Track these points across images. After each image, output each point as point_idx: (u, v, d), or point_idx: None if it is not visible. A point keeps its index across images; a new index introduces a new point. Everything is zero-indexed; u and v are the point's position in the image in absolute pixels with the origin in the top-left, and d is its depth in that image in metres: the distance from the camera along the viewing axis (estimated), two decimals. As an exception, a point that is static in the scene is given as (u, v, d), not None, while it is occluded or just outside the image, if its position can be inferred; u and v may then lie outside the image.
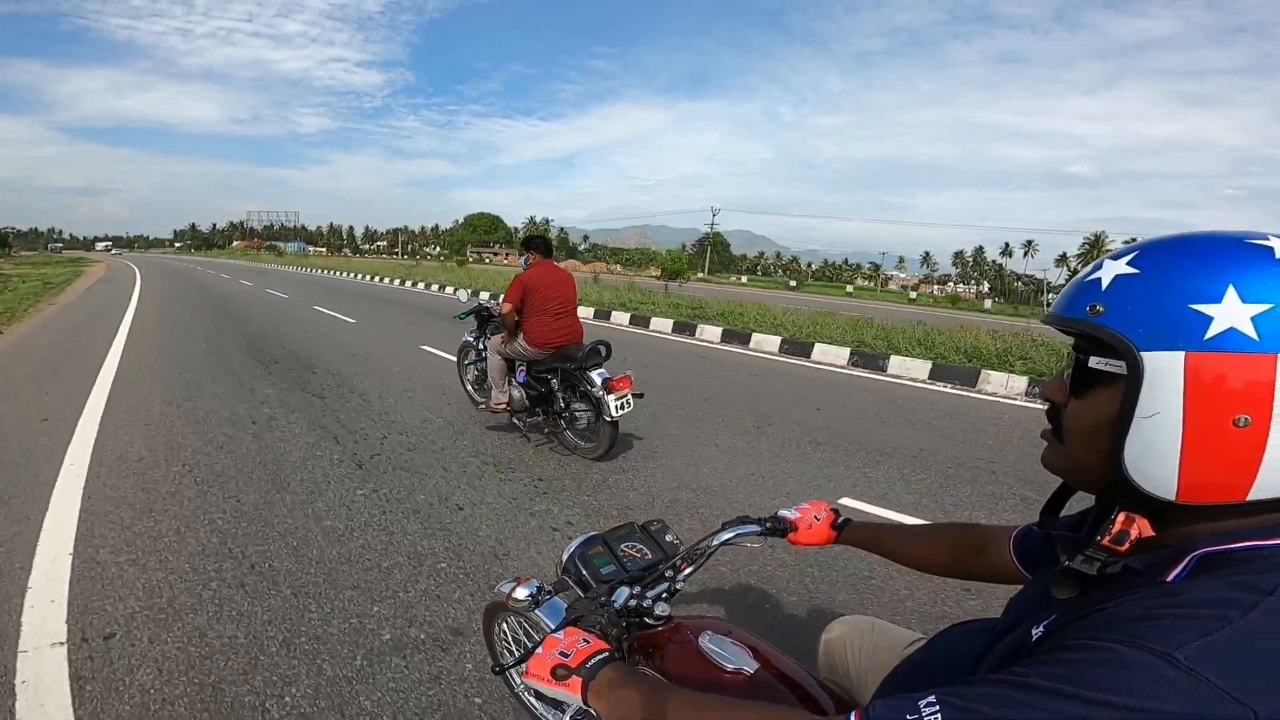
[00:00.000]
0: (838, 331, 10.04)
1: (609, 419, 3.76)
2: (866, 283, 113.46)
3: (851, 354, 8.47)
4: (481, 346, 4.93)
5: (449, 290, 19.94)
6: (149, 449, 3.93)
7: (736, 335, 10.16)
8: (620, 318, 12.86)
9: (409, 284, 24.27)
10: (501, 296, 4.45)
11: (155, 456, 3.80)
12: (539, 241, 4.34)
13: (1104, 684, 0.49)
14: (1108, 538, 0.61)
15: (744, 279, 69.23)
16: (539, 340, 4.09)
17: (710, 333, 10.54)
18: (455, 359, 5.50)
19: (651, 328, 11.74)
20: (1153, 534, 0.60)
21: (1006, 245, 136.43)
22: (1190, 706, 0.47)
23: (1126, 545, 0.60)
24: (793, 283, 67.45)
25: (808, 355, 8.93)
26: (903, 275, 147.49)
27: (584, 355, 3.89)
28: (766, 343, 9.64)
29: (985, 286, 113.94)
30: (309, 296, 16.72)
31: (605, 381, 3.76)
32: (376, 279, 27.89)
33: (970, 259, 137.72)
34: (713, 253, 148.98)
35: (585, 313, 13.28)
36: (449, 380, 5.83)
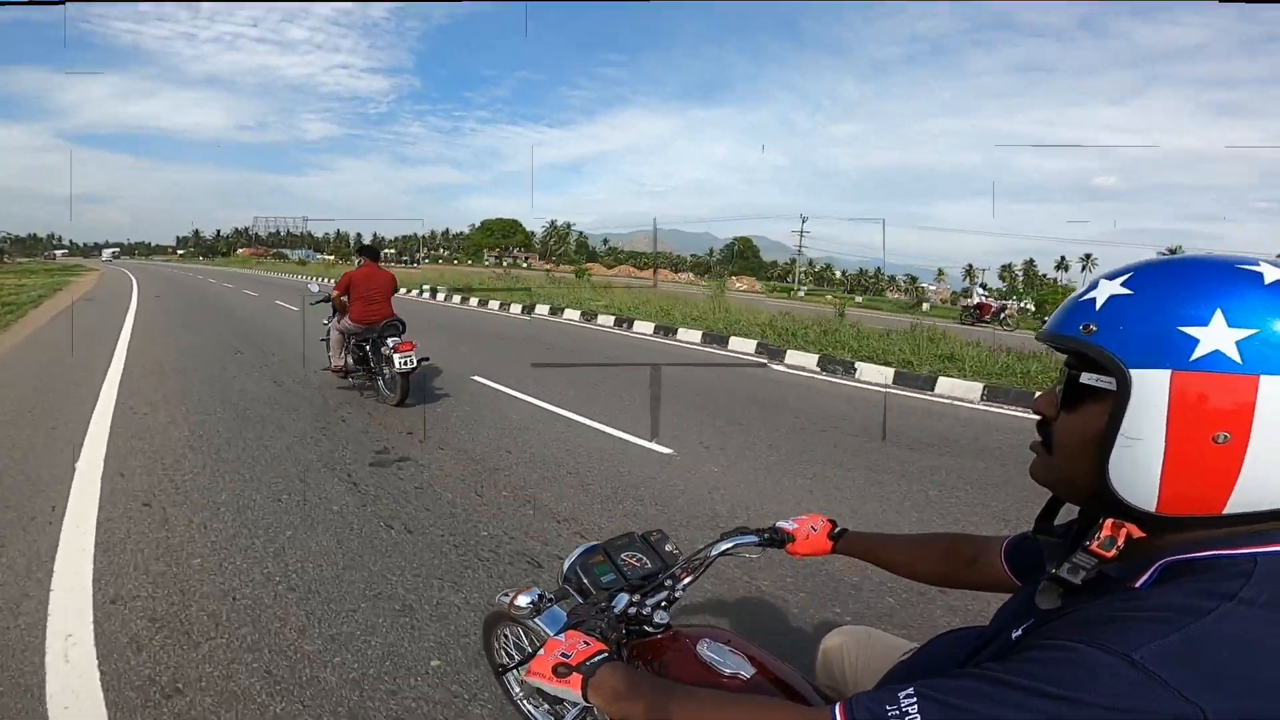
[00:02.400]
0: None
1: (399, 372, 5.40)
2: (900, 295, 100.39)
3: None
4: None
5: (643, 327, 13.14)
6: None
7: None
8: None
9: (538, 311, 16.24)
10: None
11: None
12: (369, 250, 6.41)
13: (1067, 681, 0.52)
14: (1095, 543, 0.62)
15: (830, 295, 59.11)
16: (356, 318, 5.89)
17: None
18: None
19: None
20: (1143, 535, 0.61)
21: (1062, 259, 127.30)
22: (1144, 704, 0.49)
23: (1114, 551, 0.61)
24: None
25: None
26: (932, 288, 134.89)
27: (383, 327, 5.75)
28: None
29: (1031, 305, 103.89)
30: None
31: (395, 345, 5.46)
32: (447, 298, 21.12)
33: (1021, 272, 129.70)
34: (741, 259, 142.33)
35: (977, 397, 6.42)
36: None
